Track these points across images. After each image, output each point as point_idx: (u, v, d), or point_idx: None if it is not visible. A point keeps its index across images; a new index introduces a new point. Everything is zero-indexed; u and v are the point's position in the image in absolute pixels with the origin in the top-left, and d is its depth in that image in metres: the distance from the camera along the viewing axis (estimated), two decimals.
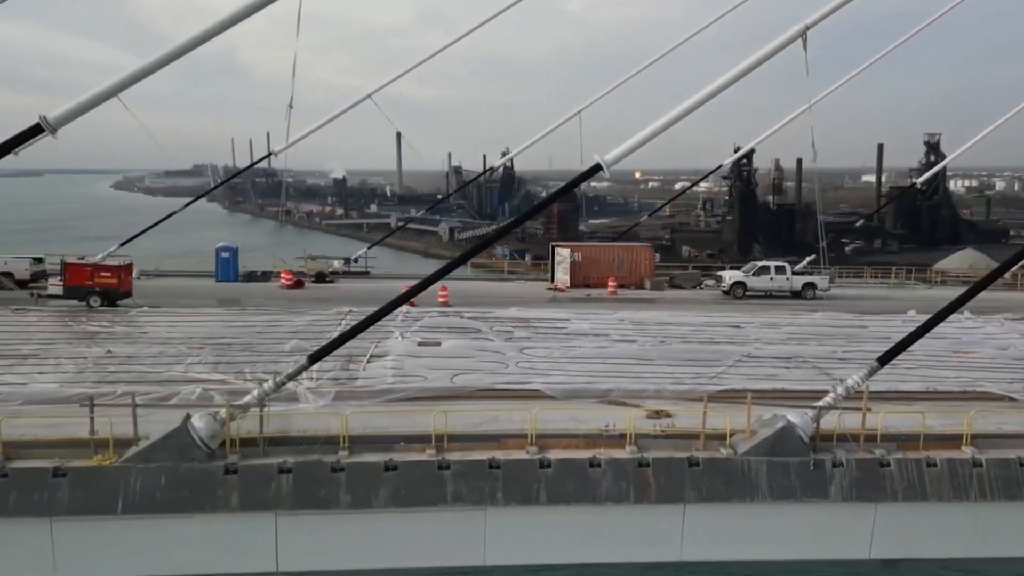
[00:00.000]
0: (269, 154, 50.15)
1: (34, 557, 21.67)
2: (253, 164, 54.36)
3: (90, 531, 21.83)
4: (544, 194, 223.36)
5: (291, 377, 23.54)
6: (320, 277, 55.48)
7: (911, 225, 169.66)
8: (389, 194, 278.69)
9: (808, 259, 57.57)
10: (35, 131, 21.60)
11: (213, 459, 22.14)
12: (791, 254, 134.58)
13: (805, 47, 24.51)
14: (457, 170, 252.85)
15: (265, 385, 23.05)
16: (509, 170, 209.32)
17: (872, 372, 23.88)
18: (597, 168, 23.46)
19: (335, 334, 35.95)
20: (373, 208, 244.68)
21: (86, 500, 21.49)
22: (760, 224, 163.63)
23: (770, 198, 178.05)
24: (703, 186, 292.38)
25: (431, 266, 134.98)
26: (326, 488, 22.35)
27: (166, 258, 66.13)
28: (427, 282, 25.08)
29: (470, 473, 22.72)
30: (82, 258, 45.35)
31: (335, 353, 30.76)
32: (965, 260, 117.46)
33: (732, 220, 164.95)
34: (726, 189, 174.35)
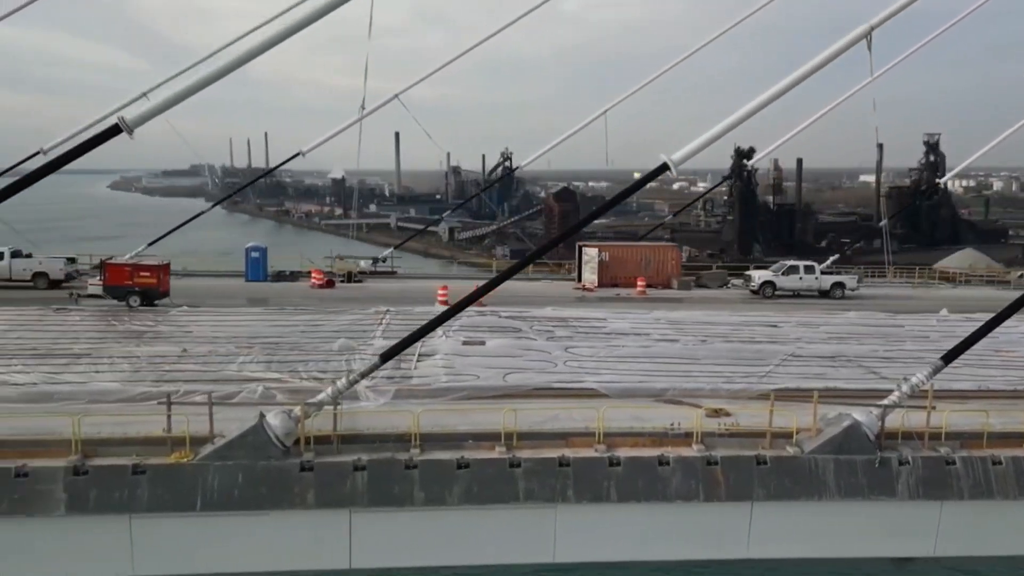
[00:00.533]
0: (297, 154, 50.26)
1: (112, 553, 21.78)
2: (282, 164, 54.28)
3: (168, 528, 21.96)
4: (543, 194, 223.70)
5: (364, 375, 23.75)
6: (349, 277, 55.71)
7: (911, 225, 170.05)
8: (388, 194, 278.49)
9: (832, 259, 57.89)
10: (114, 132, 21.73)
11: (288, 457, 22.29)
12: (791, 254, 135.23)
13: (870, 48, 24.73)
14: (456, 170, 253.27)
15: (339, 383, 23.25)
16: (508, 170, 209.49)
17: (936, 371, 24.10)
18: (664, 168, 23.60)
19: (377, 333, 36.55)
20: (372, 208, 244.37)
21: (165, 497, 21.62)
22: (760, 224, 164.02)
23: (770, 198, 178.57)
24: (701, 186, 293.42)
25: (432, 266, 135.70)
26: (400, 485, 22.48)
27: (177, 258, 66.25)
28: (495, 282, 25.44)
29: (541, 471, 22.86)
30: (110, 258, 45.55)
31: (379, 352, 31.36)
32: (965, 260, 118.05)
33: (732, 220, 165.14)
34: (726, 189, 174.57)
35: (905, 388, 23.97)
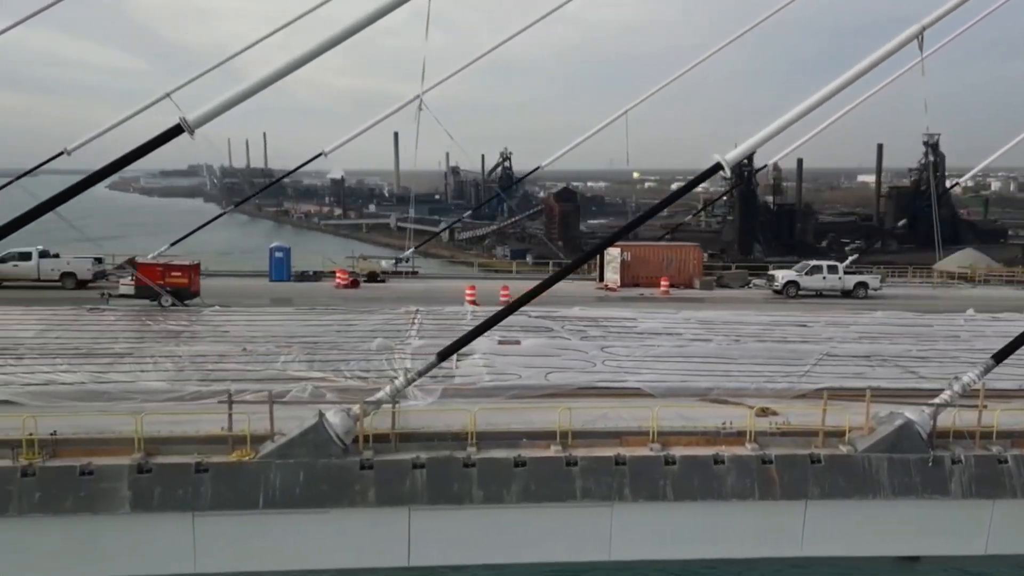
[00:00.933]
0: (320, 154, 50.20)
1: (176, 551, 21.87)
2: (304, 164, 54.08)
3: (230, 525, 22.07)
4: (542, 194, 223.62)
5: (421, 374, 23.77)
6: (372, 277, 55.94)
7: (910, 225, 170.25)
8: (387, 194, 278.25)
9: (851, 259, 58.21)
10: (175, 132, 21.81)
11: (348, 455, 22.39)
12: (791, 254, 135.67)
13: (921, 48, 24.73)
14: (455, 170, 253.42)
15: (397, 382, 23.39)
16: (508, 171, 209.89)
17: (988, 370, 24.17)
18: (718, 167, 23.67)
19: (412, 332, 36.66)
20: (372, 208, 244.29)
21: (228, 495, 21.73)
22: (760, 224, 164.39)
23: (769, 198, 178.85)
24: (700, 186, 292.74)
25: (433, 265, 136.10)
26: (458, 483, 22.61)
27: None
28: (549, 282, 25.44)
29: (597, 469, 22.98)
30: (132, 259, 45.68)
31: (419, 352, 31.54)
32: (965, 260, 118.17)
33: (732, 220, 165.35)
34: (725, 189, 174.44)
35: (956, 387, 24.05)
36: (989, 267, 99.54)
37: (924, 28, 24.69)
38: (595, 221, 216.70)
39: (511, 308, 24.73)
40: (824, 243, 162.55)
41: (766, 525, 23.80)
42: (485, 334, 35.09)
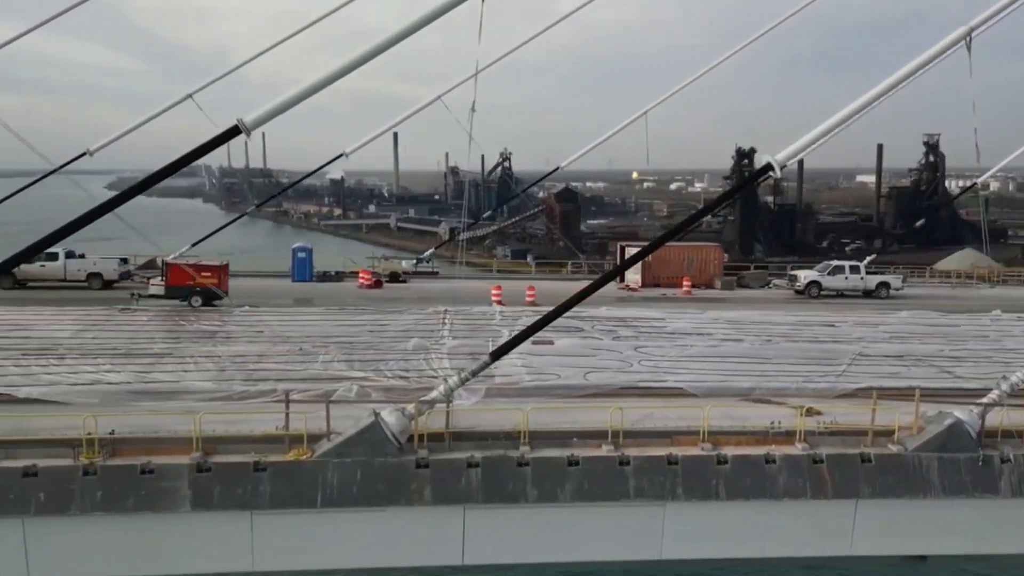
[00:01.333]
0: (340, 155, 50.23)
1: (234, 549, 21.93)
2: (325, 165, 54.16)
3: (288, 523, 22.12)
4: (542, 195, 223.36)
5: (475, 374, 23.72)
6: (394, 277, 56.12)
7: (909, 225, 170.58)
8: (387, 194, 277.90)
9: (869, 259, 58.43)
10: (233, 133, 21.87)
11: (403, 454, 22.46)
12: (792, 254, 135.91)
13: (969, 49, 24.78)
14: (454, 170, 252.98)
15: (451, 380, 23.41)
16: (507, 171, 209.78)
17: None
18: (768, 168, 23.78)
19: (444, 332, 36.76)
20: (372, 208, 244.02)
21: (286, 494, 21.82)
22: (760, 224, 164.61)
23: (770, 198, 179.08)
24: (699, 186, 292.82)
25: (438, 266, 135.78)
26: (513, 482, 22.70)
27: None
28: (598, 283, 25.53)
29: (650, 469, 23.06)
30: (154, 259, 45.84)
31: (454, 352, 31.65)
32: (966, 260, 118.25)
33: (733, 220, 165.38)
34: (725, 190, 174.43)
35: (1004, 387, 24.18)
36: (990, 267, 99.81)
37: (972, 29, 24.72)
38: (595, 221, 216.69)
39: (561, 309, 24.62)
40: (824, 243, 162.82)
41: (817, 524, 23.89)
42: (514, 333, 35.60)
